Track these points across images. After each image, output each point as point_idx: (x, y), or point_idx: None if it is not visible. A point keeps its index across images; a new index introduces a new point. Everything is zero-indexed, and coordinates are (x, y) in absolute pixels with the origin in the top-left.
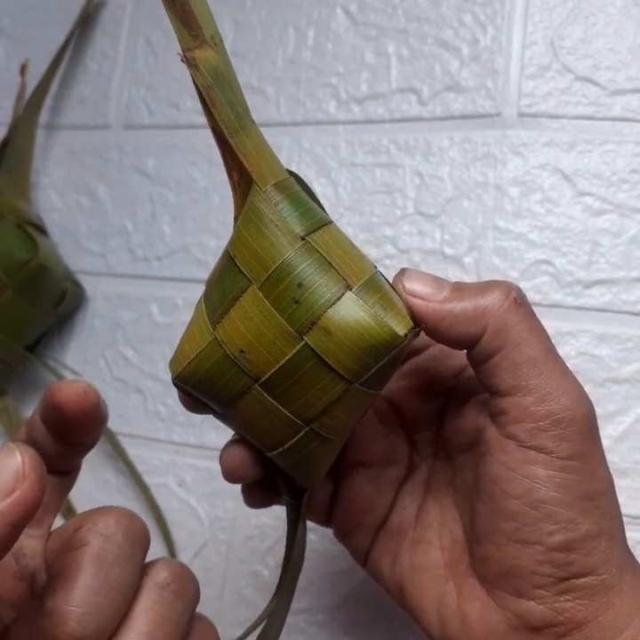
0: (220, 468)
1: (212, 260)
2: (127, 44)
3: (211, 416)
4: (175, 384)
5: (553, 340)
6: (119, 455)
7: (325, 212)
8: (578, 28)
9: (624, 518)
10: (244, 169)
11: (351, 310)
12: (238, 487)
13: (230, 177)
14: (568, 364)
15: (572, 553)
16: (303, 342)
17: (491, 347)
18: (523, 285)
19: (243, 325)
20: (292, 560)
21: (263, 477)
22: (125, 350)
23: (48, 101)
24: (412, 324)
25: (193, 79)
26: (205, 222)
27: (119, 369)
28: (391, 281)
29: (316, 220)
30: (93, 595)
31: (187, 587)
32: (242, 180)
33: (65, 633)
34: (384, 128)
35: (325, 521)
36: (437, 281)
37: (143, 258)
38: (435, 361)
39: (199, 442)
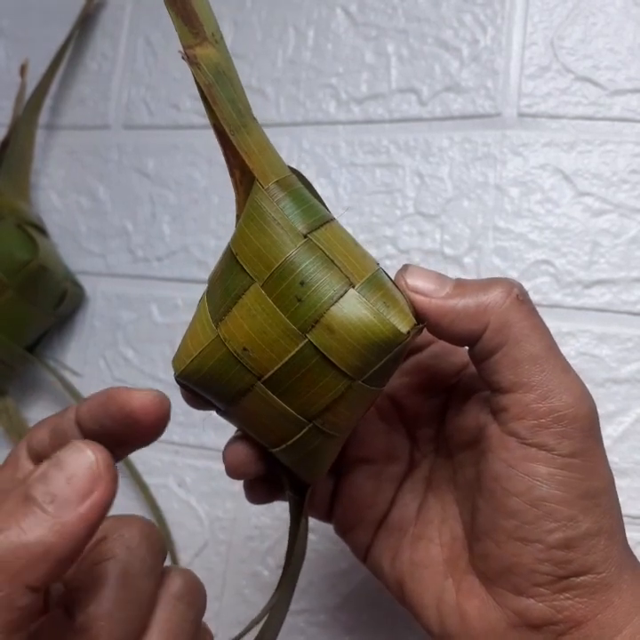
0: (220, 469)
1: (213, 261)
2: (127, 44)
3: (212, 415)
4: (178, 381)
5: None
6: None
7: (328, 209)
8: (578, 29)
9: (624, 518)
10: (246, 166)
11: (354, 308)
12: (238, 487)
13: (232, 175)
14: None
15: (572, 551)
16: (306, 340)
17: (492, 343)
18: (523, 285)
19: (245, 323)
20: (294, 555)
21: (266, 473)
22: (125, 350)
23: (48, 101)
24: (414, 321)
25: (194, 77)
26: (205, 223)
27: (119, 369)
28: (393, 278)
29: (318, 217)
30: (122, 609)
31: (197, 596)
32: (244, 177)
33: None
34: (384, 128)
35: (326, 517)
36: (440, 277)
37: (143, 258)
38: (437, 358)
39: (199, 442)
